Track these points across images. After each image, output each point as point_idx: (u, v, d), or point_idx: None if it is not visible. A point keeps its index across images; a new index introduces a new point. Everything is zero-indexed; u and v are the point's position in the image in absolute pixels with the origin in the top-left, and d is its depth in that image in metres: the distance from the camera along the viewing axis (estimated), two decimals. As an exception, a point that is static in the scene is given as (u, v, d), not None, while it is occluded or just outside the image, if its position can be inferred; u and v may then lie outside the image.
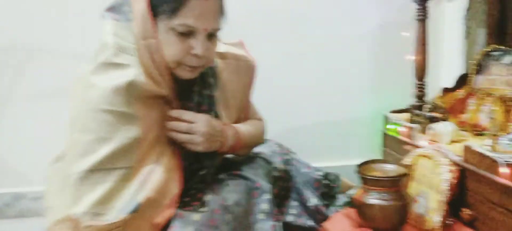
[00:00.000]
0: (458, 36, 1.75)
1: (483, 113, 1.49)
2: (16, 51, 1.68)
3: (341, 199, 1.48)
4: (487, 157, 1.21)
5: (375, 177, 1.26)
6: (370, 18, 1.90)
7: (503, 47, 1.52)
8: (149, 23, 1.11)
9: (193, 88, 1.23)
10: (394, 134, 1.70)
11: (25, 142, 1.70)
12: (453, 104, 1.59)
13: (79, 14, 1.65)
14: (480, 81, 1.55)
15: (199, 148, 1.18)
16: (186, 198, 1.17)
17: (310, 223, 1.41)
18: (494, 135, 1.34)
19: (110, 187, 1.04)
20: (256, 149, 1.39)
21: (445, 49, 1.95)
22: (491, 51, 1.54)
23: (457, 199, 1.28)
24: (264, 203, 1.22)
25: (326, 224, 1.38)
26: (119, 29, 1.14)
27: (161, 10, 1.10)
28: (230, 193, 1.19)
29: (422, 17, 1.57)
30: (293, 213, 1.41)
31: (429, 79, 1.64)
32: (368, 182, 1.26)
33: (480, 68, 1.55)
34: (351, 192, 1.47)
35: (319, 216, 1.42)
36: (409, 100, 1.67)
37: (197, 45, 1.12)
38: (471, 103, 1.54)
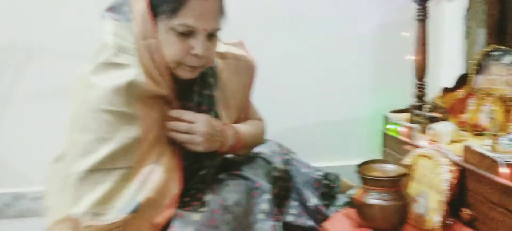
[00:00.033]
0: (458, 36, 1.75)
1: (483, 113, 1.49)
2: (16, 51, 1.68)
3: (341, 199, 1.48)
4: (487, 157, 1.21)
5: (375, 177, 1.26)
6: (370, 18, 1.90)
7: (503, 47, 1.52)
8: (149, 23, 1.11)
9: (193, 88, 1.23)
10: (394, 134, 1.70)
11: (25, 142, 1.70)
12: (453, 104, 1.59)
13: (79, 14, 1.65)
14: (480, 81, 1.55)
15: (199, 148, 1.18)
16: (186, 198, 1.17)
17: (310, 223, 1.41)
18: (494, 135, 1.34)
19: (110, 187, 1.04)
20: (256, 149, 1.39)
21: (445, 49, 1.95)
22: (491, 51, 1.54)
23: (457, 199, 1.28)
24: (264, 203, 1.22)
25: (326, 224, 1.38)
26: (119, 29, 1.14)
27: (161, 10, 1.10)
28: (230, 193, 1.19)
29: (422, 17, 1.57)
30: (293, 213, 1.41)
31: (429, 79, 1.64)
32: (368, 182, 1.26)
33: (480, 68, 1.55)
34: (351, 192, 1.47)
35: (319, 216, 1.42)
36: (409, 100, 1.67)
37: (197, 45, 1.12)
38: (471, 103, 1.54)
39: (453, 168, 1.28)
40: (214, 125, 1.21)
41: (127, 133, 1.07)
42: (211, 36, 1.15)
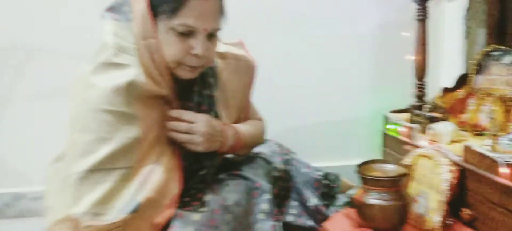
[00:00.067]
0: (458, 36, 1.75)
1: (483, 113, 1.49)
2: (16, 51, 1.68)
3: (341, 199, 1.48)
4: (487, 157, 1.21)
5: (375, 177, 1.26)
6: (370, 18, 1.90)
7: (503, 47, 1.52)
8: (149, 23, 1.11)
9: (193, 88, 1.23)
10: (394, 134, 1.69)
11: (25, 142, 1.70)
12: (453, 104, 1.59)
13: (79, 14, 1.65)
14: (480, 81, 1.55)
15: (199, 148, 1.18)
16: (186, 198, 1.17)
17: (310, 223, 1.41)
18: (494, 135, 1.34)
19: (110, 187, 1.04)
20: (256, 149, 1.39)
21: (445, 49, 1.95)
22: (491, 51, 1.54)
23: (457, 199, 1.28)
24: (264, 203, 1.22)
25: (326, 224, 1.38)
26: (119, 29, 1.14)
27: (161, 10, 1.10)
28: (230, 193, 1.19)
29: (422, 17, 1.57)
30: (293, 213, 1.41)
31: (429, 79, 1.64)
32: (368, 182, 1.26)
33: (480, 68, 1.55)
34: (351, 192, 1.47)
35: (319, 216, 1.42)
36: (409, 100, 1.67)
37: (197, 45, 1.12)
38: (471, 103, 1.54)
39: (453, 168, 1.28)
40: (214, 125, 1.21)
41: (127, 133, 1.07)
42: (211, 36, 1.15)
